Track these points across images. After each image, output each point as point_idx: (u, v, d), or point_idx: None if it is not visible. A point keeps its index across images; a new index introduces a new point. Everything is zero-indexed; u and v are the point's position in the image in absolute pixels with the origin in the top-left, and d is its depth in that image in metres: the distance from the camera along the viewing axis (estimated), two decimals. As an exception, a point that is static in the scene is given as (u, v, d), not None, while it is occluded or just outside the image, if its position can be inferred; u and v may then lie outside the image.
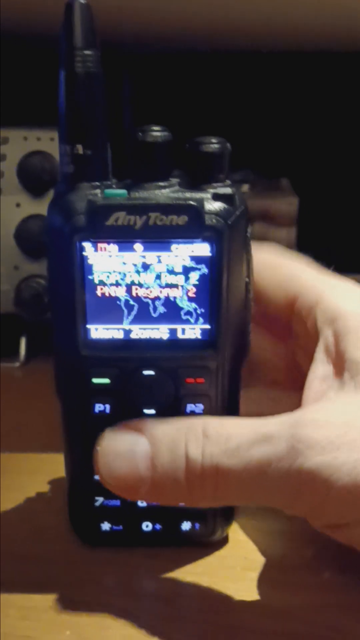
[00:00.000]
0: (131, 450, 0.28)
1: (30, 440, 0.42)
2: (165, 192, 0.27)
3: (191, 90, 0.68)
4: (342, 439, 0.25)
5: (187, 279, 0.28)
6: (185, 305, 0.28)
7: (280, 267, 0.33)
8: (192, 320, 0.28)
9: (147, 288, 0.28)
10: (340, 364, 0.29)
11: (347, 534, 0.28)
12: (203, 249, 0.28)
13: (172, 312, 0.28)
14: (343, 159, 0.68)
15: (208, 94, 0.68)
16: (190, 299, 0.28)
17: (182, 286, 0.28)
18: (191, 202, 0.27)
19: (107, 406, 0.29)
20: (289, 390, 0.34)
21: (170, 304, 0.28)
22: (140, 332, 0.29)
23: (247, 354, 0.30)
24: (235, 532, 0.33)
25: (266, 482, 0.26)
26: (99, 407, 0.29)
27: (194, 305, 0.28)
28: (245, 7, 0.46)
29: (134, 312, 0.28)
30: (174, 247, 0.27)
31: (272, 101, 0.68)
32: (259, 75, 0.67)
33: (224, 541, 0.32)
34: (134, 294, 0.28)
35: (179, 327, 0.29)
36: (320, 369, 0.29)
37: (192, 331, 0.29)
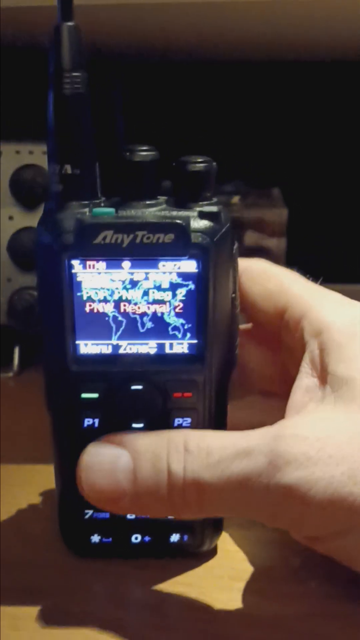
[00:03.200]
0: (113, 463, 0.28)
1: (23, 451, 0.42)
2: (153, 210, 0.28)
3: (182, 101, 0.68)
4: (319, 454, 0.26)
5: (174, 295, 0.28)
6: (173, 320, 0.29)
7: (271, 278, 0.33)
8: (180, 335, 0.29)
9: (135, 304, 0.29)
10: (323, 377, 0.29)
11: (326, 546, 0.28)
12: (190, 265, 0.28)
13: (159, 327, 0.29)
14: (334, 168, 0.69)
15: (199, 104, 0.68)
16: (177, 315, 0.29)
17: (169, 302, 0.29)
18: (177, 221, 0.27)
19: (96, 420, 0.30)
20: (280, 400, 0.34)
21: (157, 319, 0.29)
22: (129, 347, 0.29)
23: (234, 367, 0.31)
24: (224, 542, 0.33)
25: (246, 497, 0.26)
26: (87, 422, 0.30)
27: (181, 320, 0.29)
28: (236, 19, 0.46)
29: (122, 328, 0.29)
30: (161, 264, 0.28)
31: (264, 111, 0.68)
32: (250, 85, 0.68)
33: (212, 552, 0.33)
34: (122, 310, 0.29)
35: (166, 342, 0.29)
36: (304, 381, 0.30)
37: (180, 346, 0.29)
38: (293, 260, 0.58)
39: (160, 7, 0.42)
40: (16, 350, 0.54)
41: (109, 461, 0.28)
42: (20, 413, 0.47)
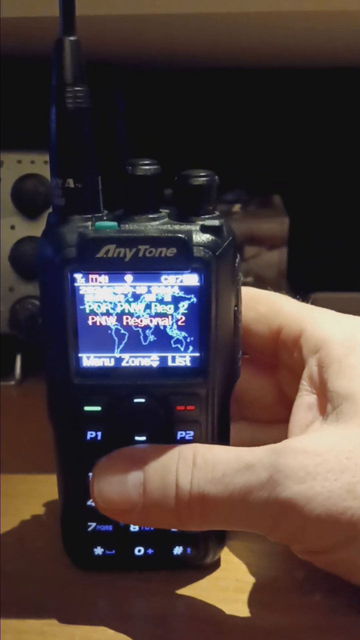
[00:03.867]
0: (124, 476, 0.28)
1: (25, 460, 0.42)
2: (155, 224, 0.28)
3: (183, 108, 0.68)
4: (318, 468, 0.26)
5: (176, 308, 0.29)
6: (175, 333, 0.29)
7: (261, 302, 0.33)
8: (182, 349, 0.29)
9: (137, 317, 0.29)
10: (323, 394, 0.29)
11: (325, 560, 0.29)
12: (192, 279, 0.28)
13: (162, 340, 0.29)
14: (335, 175, 0.69)
15: (199, 113, 0.68)
16: (179, 328, 0.29)
17: (171, 315, 0.29)
18: (180, 235, 0.27)
19: (99, 433, 0.30)
20: (275, 423, 0.34)
21: (160, 332, 0.29)
22: (131, 360, 0.29)
23: (236, 380, 0.31)
24: (228, 554, 0.33)
25: (247, 510, 0.27)
26: (90, 434, 0.30)
27: (183, 333, 0.29)
28: (236, 29, 0.46)
29: (124, 341, 0.29)
30: (163, 277, 0.28)
31: (264, 119, 0.68)
32: (251, 93, 0.68)
33: (216, 564, 0.33)
34: (124, 323, 0.29)
35: (169, 355, 0.29)
36: (305, 399, 0.30)
37: (182, 359, 0.29)
38: (294, 268, 0.58)
39: (161, 18, 0.42)
40: (18, 359, 0.54)
41: (120, 474, 0.28)
42: (22, 422, 0.47)
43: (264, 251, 0.53)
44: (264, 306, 0.33)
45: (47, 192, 0.50)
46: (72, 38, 0.27)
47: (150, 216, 0.28)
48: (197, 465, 0.27)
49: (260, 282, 0.35)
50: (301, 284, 0.56)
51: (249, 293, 0.33)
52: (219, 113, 0.68)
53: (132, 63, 0.65)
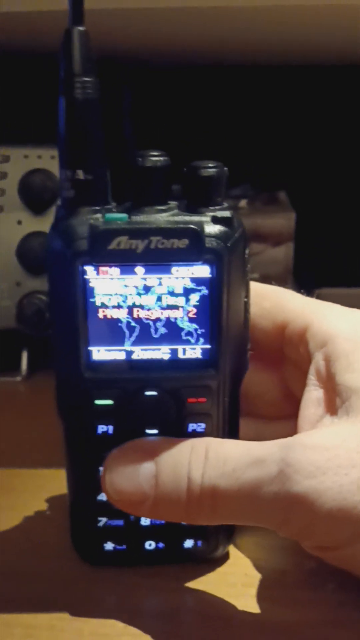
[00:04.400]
0: (136, 467, 0.28)
1: (32, 455, 0.42)
2: (165, 215, 0.28)
3: (189, 104, 0.68)
4: (329, 463, 0.26)
5: (187, 300, 0.28)
6: (186, 325, 0.29)
7: (265, 297, 0.33)
8: (193, 341, 0.29)
9: (148, 310, 0.28)
10: (331, 388, 0.29)
11: (335, 556, 0.28)
12: (203, 270, 0.28)
13: (173, 332, 0.29)
14: (341, 171, 0.69)
15: (204, 108, 0.68)
16: (190, 320, 0.29)
17: (182, 307, 0.28)
18: (191, 226, 0.27)
19: (110, 427, 0.29)
20: (280, 419, 0.34)
21: (171, 324, 0.29)
22: (142, 353, 0.29)
23: (245, 371, 0.31)
24: (237, 548, 0.33)
25: (257, 504, 0.27)
26: (101, 428, 0.29)
27: (194, 325, 0.29)
28: (242, 23, 0.46)
29: (135, 334, 0.29)
30: (174, 269, 0.28)
31: (269, 114, 0.68)
32: (256, 89, 0.68)
33: (225, 558, 0.33)
34: (135, 316, 0.28)
35: (179, 348, 0.29)
36: (313, 394, 0.30)
37: (193, 351, 0.29)
38: (300, 263, 0.58)
39: (167, 12, 0.42)
40: (24, 354, 0.54)
41: (133, 466, 0.28)
42: (30, 417, 0.47)
43: (269, 247, 0.53)
44: (269, 301, 0.33)
45: (54, 187, 0.49)
46: (80, 28, 0.27)
47: (160, 207, 0.28)
48: (209, 458, 0.27)
49: (266, 278, 0.35)
50: (307, 280, 0.56)
51: (253, 288, 0.33)
52: (224, 109, 0.68)
53: (138, 59, 0.65)
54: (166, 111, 0.67)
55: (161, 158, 0.28)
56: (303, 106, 0.68)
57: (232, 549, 0.33)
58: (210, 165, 0.28)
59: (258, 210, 0.55)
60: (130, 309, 0.28)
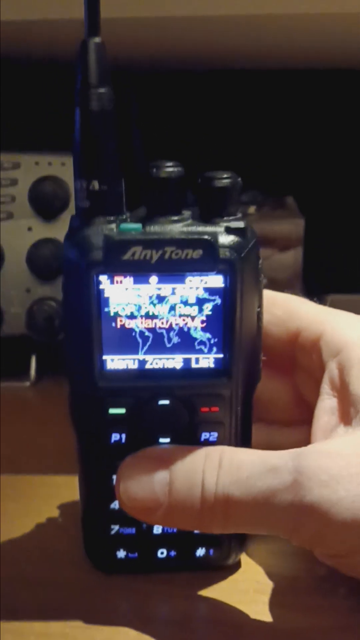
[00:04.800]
0: (150, 475, 0.28)
1: (42, 461, 0.42)
2: (179, 226, 0.28)
3: (195, 110, 0.68)
4: (343, 472, 0.26)
5: (200, 309, 0.28)
6: (199, 335, 0.29)
7: (277, 304, 0.33)
8: (206, 350, 0.29)
9: (161, 319, 0.29)
10: (345, 397, 0.29)
11: (347, 564, 0.28)
12: (217, 280, 0.28)
13: (186, 342, 0.29)
14: (350, 176, 0.69)
15: (212, 114, 0.68)
16: (203, 329, 0.29)
17: (195, 317, 0.29)
18: (206, 237, 0.27)
19: (123, 435, 0.30)
20: (292, 425, 0.34)
21: (184, 334, 0.29)
22: (155, 362, 0.29)
23: (258, 380, 0.31)
24: (248, 555, 0.33)
25: (270, 513, 0.27)
26: (115, 437, 0.30)
27: (207, 335, 0.29)
28: (247, 28, 0.46)
29: (148, 343, 0.29)
30: (188, 279, 0.28)
31: (277, 119, 0.68)
32: (265, 94, 0.68)
33: (236, 565, 0.33)
34: (148, 325, 0.29)
35: (192, 357, 0.29)
36: (327, 403, 0.30)
37: (206, 360, 0.29)
38: (309, 269, 0.58)
39: (173, 21, 0.42)
40: (33, 360, 0.54)
41: (146, 473, 0.28)
42: (39, 423, 0.47)
43: (278, 252, 0.53)
44: (281, 309, 0.33)
45: (64, 194, 0.50)
46: (96, 40, 0.27)
47: (174, 218, 0.28)
48: (223, 467, 0.27)
49: (275, 283, 0.35)
50: (317, 286, 0.56)
51: (265, 296, 0.33)
52: (231, 115, 0.68)
53: (143, 66, 0.65)
54: (172, 118, 0.68)
55: (175, 169, 0.28)
56: (310, 111, 0.68)
57: (243, 556, 0.33)
58: (225, 176, 0.28)
59: (266, 215, 0.55)
60: (144, 319, 0.28)
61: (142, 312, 0.28)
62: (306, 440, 0.30)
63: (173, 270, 0.27)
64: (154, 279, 0.28)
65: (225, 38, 0.50)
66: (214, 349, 0.29)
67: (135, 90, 0.64)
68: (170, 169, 0.28)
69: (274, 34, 0.48)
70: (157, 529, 0.31)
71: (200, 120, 0.68)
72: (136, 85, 0.64)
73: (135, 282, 0.28)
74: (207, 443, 0.30)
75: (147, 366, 0.29)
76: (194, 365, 0.29)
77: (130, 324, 0.29)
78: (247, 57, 0.61)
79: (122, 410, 0.29)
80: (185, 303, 0.28)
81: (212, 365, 0.29)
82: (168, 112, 0.68)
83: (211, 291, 0.28)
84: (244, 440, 0.31)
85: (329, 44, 0.53)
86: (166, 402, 0.29)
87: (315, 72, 0.65)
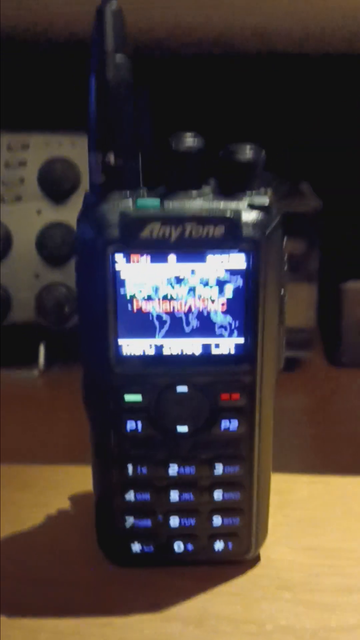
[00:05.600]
0: None
1: (53, 451, 0.41)
2: (199, 201, 0.26)
3: (209, 94, 0.67)
4: None
5: (221, 291, 0.27)
6: (220, 318, 0.28)
7: None
8: (226, 334, 0.28)
9: (180, 301, 0.27)
10: None
11: None
12: (239, 260, 0.27)
13: (205, 326, 0.28)
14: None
15: (226, 97, 0.67)
16: (224, 313, 0.27)
17: (216, 299, 0.27)
18: (228, 213, 0.26)
19: (139, 423, 0.28)
20: None
21: (203, 317, 0.28)
22: (173, 347, 0.28)
23: (281, 367, 0.30)
24: (267, 550, 0.32)
25: None
26: (130, 425, 0.28)
27: (228, 318, 0.28)
28: (263, 12, 0.45)
29: (166, 327, 0.28)
30: (208, 258, 0.27)
31: (291, 104, 0.67)
32: (277, 78, 0.66)
33: (256, 560, 0.32)
34: (166, 308, 0.27)
35: (212, 342, 0.28)
36: None
37: (226, 345, 0.28)
38: (325, 255, 0.57)
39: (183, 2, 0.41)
40: (41, 348, 0.53)
41: None
42: (49, 412, 0.47)
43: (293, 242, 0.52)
44: None
45: (75, 176, 0.48)
46: (113, 7, 0.25)
47: (194, 192, 0.27)
48: None
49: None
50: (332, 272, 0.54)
51: None
52: (244, 99, 0.67)
53: (154, 51, 0.64)
54: (184, 102, 0.66)
55: (195, 140, 0.26)
56: (328, 97, 0.67)
57: (262, 551, 0.32)
58: (248, 148, 0.27)
59: (284, 199, 0.54)
60: (162, 301, 0.27)
61: (160, 294, 0.27)
62: None
63: (193, 249, 0.26)
64: (172, 257, 0.27)
65: (235, 20, 0.48)
66: (235, 334, 0.28)
67: (144, 74, 0.63)
68: (191, 141, 0.26)
69: (297, 16, 0.46)
70: (174, 522, 0.30)
71: (212, 106, 0.67)
72: (145, 70, 0.63)
73: (152, 260, 0.27)
74: (227, 432, 0.29)
75: (165, 351, 0.28)
76: (214, 350, 0.28)
77: (147, 306, 0.27)
78: (259, 42, 0.59)
79: (138, 398, 0.28)
80: (205, 284, 0.27)
81: (232, 351, 0.28)
82: (180, 96, 0.66)
83: (233, 272, 0.27)
84: (264, 427, 0.29)
85: (351, 26, 0.51)
86: (184, 389, 0.28)
87: (333, 57, 0.64)
